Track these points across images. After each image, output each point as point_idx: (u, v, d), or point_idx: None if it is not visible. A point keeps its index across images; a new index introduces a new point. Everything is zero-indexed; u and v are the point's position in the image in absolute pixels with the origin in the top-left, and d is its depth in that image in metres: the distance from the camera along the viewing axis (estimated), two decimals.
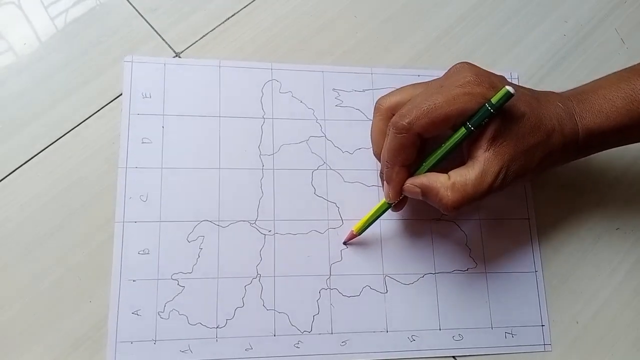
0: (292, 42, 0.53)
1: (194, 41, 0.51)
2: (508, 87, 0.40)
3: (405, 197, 0.46)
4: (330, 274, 0.48)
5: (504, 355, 0.48)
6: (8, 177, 0.46)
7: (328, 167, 0.50)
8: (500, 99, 0.41)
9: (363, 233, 0.48)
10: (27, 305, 0.44)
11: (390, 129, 0.43)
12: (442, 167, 0.44)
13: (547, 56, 0.57)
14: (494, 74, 0.44)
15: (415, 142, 0.43)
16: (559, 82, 0.56)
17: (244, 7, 0.53)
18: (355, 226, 0.48)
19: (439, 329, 0.48)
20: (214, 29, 0.52)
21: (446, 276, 0.49)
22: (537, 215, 0.52)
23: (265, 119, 0.50)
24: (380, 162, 0.47)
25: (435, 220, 0.50)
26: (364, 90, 0.53)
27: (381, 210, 0.47)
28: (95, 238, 0.45)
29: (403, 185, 0.44)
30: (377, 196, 0.50)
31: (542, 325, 0.50)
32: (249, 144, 0.49)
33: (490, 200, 0.51)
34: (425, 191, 0.43)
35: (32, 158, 0.47)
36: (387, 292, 0.48)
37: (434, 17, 0.56)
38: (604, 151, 0.52)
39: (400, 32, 0.55)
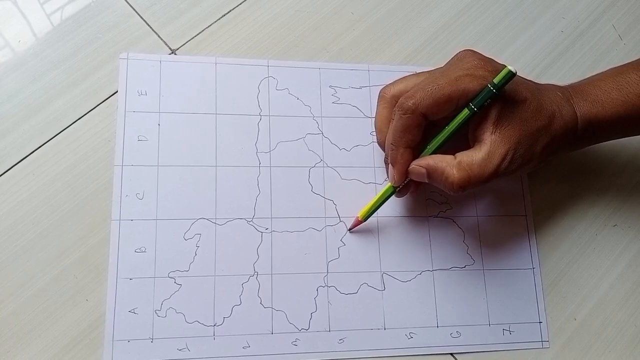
0: (288, 39, 0.53)
1: (189, 38, 0.51)
2: (510, 67, 0.42)
3: (410, 182, 0.46)
4: (328, 272, 0.48)
5: (502, 352, 0.48)
6: (4, 175, 0.46)
7: (325, 165, 0.50)
8: (502, 78, 0.42)
9: (365, 228, 0.48)
10: (23, 303, 0.43)
11: (396, 111, 0.44)
12: (447, 152, 0.44)
13: (544, 52, 0.57)
14: (496, 61, 0.45)
15: (420, 123, 0.43)
16: (557, 78, 0.56)
17: (240, 4, 0.53)
18: (360, 212, 0.48)
19: (436, 326, 0.48)
20: (210, 25, 0.52)
21: (444, 273, 0.49)
22: (535, 212, 0.52)
23: (262, 116, 0.50)
24: (384, 150, 0.48)
25: (432, 218, 0.50)
26: (360, 87, 0.52)
27: (386, 195, 0.47)
28: (92, 236, 0.45)
29: (408, 167, 0.45)
30: (374, 193, 0.50)
31: (540, 322, 0.50)
32: (245, 142, 0.49)
33: (488, 196, 0.51)
34: (431, 171, 0.43)
35: (27, 156, 0.46)
36: (384, 289, 0.48)
37: (430, 14, 0.56)
38: (600, 148, 0.52)
39: (397, 29, 0.55)
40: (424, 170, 0.44)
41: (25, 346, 0.43)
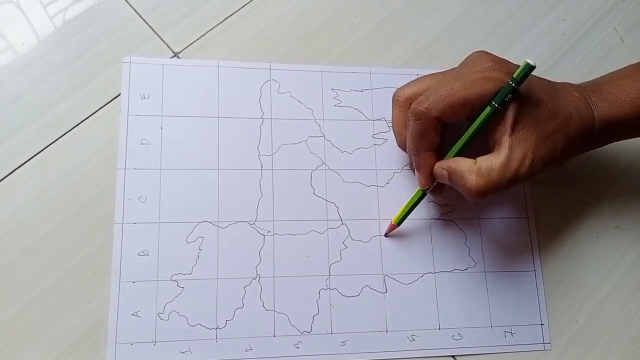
0: (290, 42, 0.53)
1: (192, 41, 0.51)
2: (529, 60, 0.41)
3: (441, 183, 0.46)
4: (330, 274, 0.48)
5: (504, 354, 0.49)
6: (7, 178, 0.46)
7: (327, 167, 0.50)
8: (521, 72, 0.41)
9: (366, 230, 0.49)
10: (26, 306, 0.44)
11: (410, 117, 0.44)
12: (471, 156, 0.44)
13: (546, 55, 0.57)
14: (509, 61, 0.45)
15: (435, 127, 0.43)
16: (559, 80, 0.56)
17: (243, 7, 0.53)
18: (394, 217, 0.48)
19: (438, 329, 0.48)
20: (213, 28, 0.52)
21: (445, 275, 0.49)
22: (536, 214, 0.52)
23: (264, 119, 0.50)
24: (406, 152, 0.48)
25: (434, 220, 0.50)
26: (362, 90, 0.52)
27: (417, 198, 0.47)
28: (95, 239, 0.45)
29: (432, 169, 0.45)
30: (376, 196, 0.50)
31: (542, 324, 0.50)
32: (247, 145, 0.49)
33: (490, 198, 0.51)
34: (451, 174, 0.44)
35: (30, 159, 0.47)
36: (386, 292, 0.48)
37: (431, 16, 0.56)
38: (602, 150, 0.52)
39: (398, 32, 0.55)
40: (445, 173, 0.44)
41: (27, 348, 0.43)
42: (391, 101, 0.48)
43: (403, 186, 0.50)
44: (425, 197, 0.49)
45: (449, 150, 0.45)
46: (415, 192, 0.48)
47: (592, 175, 0.55)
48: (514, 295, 0.50)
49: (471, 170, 0.42)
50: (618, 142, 0.51)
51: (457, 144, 0.45)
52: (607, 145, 0.51)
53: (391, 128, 0.51)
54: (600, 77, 0.49)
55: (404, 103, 0.47)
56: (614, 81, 0.47)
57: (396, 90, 0.48)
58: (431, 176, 0.45)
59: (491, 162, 0.42)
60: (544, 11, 0.59)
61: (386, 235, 0.49)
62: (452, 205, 0.51)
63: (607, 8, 0.60)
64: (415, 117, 0.43)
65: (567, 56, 0.57)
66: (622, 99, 0.45)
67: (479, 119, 0.43)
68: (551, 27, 0.58)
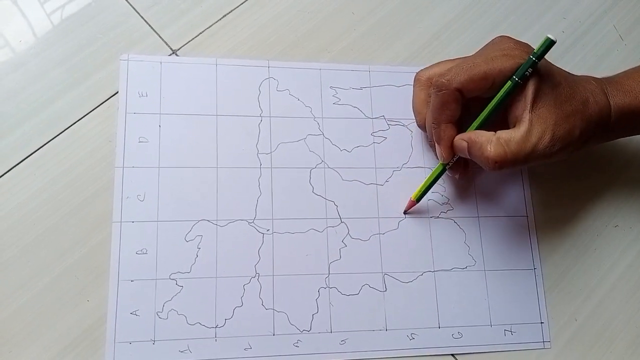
0: (289, 40, 0.53)
1: (190, 38, 0.51)
2: (549, 35, 0.43)
3: (460, 160, 0.47)
4: (329, 273, 0.47)
5: (503, 352, 0.48)
6: (4, 176, 0.46)
7: (326, 166, 0.50)
8: (542, 46, 0.43)
9: (366, 228, 0.49)
10: (24, 304, 0.43)
11: (432, 91, 0.45)
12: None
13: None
14: (530, 45, 0.46)
15: (456, 98, 0.44)
16: None
17: (241, 4, 0.53)
18: (413, 194, 0.49)
19: (438, 327, 0.48)
20: (211, 26, 0.52)
21: (445, 274, 0.49)
22: (536, 212, 0.52)
23: (263, 117, 0.50)
24: (424, 130, 0.49)
25: (434, 218, 0.50)
26: (361, 88, 0.52)
27: (436, 174, 0.48)
28: (93, 238, 0.45)
29: (453, 142, 0.46)
30: (376, 194, 0.50)
31: (541, 323, 0.50)
32: (246, 143, 0.49)
33: (489, 196, 0.51)
34: (470, 145, 0.44)
35: (27, 157, 0.46)
36: (386, 290, 0.48)
37: (431, 14, 0.56)
38: (601, 148, 0.52)
39: (398, 30, 0.55)
40: (465, 144, 0.45)
41: (26, 347, 0.43)
42: (413, 82, 0.50)
43: (402, 184, 0.50)
44: (427, 195, 0.49)
45: (469, 126, 0.46)
46: (435, 167, 0.48)
47: (592, 173, 0.54)
48: (514, 294, 0.50)
49: (490, 140, 0.43)
50: (616, 140, 0.51)
51: (477, 118, 0.46)
52: (606, 144, 0.51)
53: (389, 125, 0.52)
54: (618, 73, 0.49)
55: (425, 82, 0.48)
56: (630, 74, 0.48)
57: (418, 71, 0.49)
58: (452, 149, 0.46)
59: (510, 135, 0.43)
60: (543, 9, 0.59)
61: (405, 212, 0.50)
62: (451, 204, 0.51)
63: (606, 6, 0.60)
64: (437, 89, 0.44)
65: (567, 54, 0.57)
66: (637, 90, 0.46)
67: (499, 93, 0.44)
68: (550, 25, 0.58)
